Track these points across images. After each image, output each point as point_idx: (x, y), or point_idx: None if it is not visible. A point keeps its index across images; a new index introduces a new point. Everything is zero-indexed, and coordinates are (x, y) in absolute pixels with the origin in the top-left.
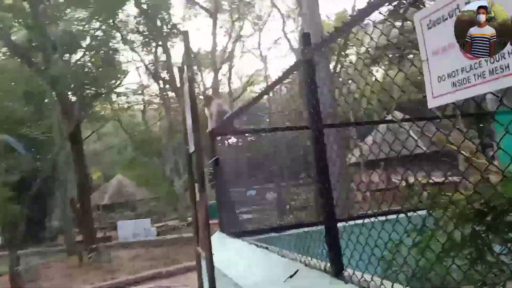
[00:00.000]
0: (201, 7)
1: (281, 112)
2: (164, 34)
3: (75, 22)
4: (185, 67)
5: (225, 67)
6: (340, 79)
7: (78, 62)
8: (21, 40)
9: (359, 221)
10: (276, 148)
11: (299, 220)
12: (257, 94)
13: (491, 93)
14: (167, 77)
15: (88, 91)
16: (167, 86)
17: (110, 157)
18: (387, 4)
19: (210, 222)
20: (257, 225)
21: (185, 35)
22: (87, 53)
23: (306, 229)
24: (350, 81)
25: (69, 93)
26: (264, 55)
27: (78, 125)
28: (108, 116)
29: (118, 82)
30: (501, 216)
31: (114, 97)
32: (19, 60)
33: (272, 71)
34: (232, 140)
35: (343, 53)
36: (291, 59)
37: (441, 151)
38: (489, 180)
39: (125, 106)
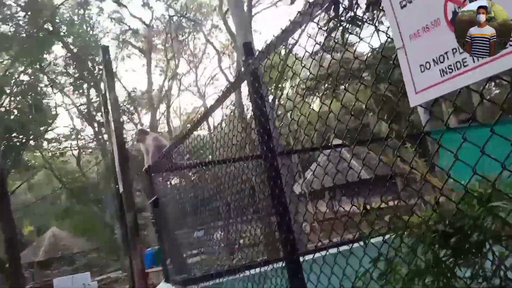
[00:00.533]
0: (133, 46)
1: (224, 144)
2: (96, 75)
3: None
4: (109, 108)
5: (163, 107)
6: (279, 112)
7: (2, 109)
8: None
9: (316, 254)
10: (222, 184)
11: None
12: (196, 120)
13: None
14: (101, 120)
15: (15, 139)
16: (102, 129)
17: (44, 208)
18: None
19: (157, 270)
20: (206, 270)
21: (104, 50)
22: (12, 98)
23: (262, 268)
24: (288, 113)
25: None
26: (202, 92)
27: (3, 176)
28: (39, 165)
29: (48, 127)
30: (466, 237)
31: (45, 144)
32: None
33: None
34: (174, 177)
35: (279, 85)
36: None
37: (392, 173)
38: (446, 198)
39: (58, 153)
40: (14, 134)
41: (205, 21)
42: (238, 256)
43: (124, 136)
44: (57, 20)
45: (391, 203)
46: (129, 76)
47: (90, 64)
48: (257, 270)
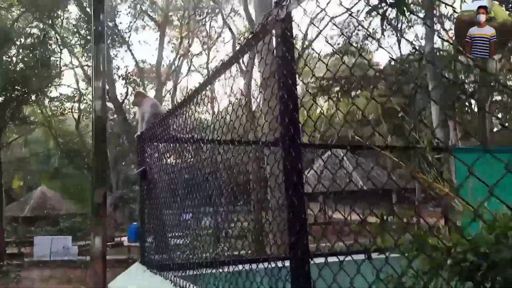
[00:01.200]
0: (149, 17)
1: (230, 122)
2: (108, 41)
3: (9, 16)
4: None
5: (170, 84)
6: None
7: (8, 60)
8: None
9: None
10: (218, 167)
11: (239, 254)
12: (202, 82)
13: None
14: (106, 87)
15: (16, 92)
16: (107, 96)
17: (36, 166)
18: None
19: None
20: (188, 258)
21: None
22: (20, 50)
23: (253, 265)
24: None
25: None
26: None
27: None
28: (38, 121)
29: (52, 84)
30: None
31: (46, 101)
32: None
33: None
34: (168, 150)
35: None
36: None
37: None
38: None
39: (58, 112)
40: (16, 87)
41: (226, 3)
42: (224, 248)
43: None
44: None
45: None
46: (140, 48)
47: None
48: (246, 266)
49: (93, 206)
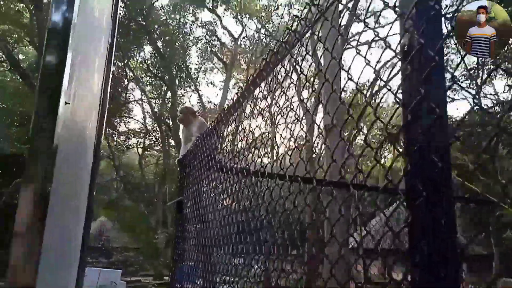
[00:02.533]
0: (218, 57)
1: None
2: (177, 81)
3: None
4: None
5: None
6: None
7: None
8: (26, 58)
9: None
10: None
11: None
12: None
13: None
14: (171, 124)
15: None
16: (170, 133)
17: (97, 196)
18: None
19: None
20: None
21: None
22: None
23: None
24: None
25: None
26: (273, 119)
27: None
28: (103, 154)
29: (121, 120)
30: None
31: (115, 135)
32: (20, 79)
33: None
34: (215, 180)
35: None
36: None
37: None
38: None
39: (124, 146)
40: None
41: (294, 49)
42: None
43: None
44: (150, 18)
45: None
46: (206, 88)
47: (174, 70)
48: None
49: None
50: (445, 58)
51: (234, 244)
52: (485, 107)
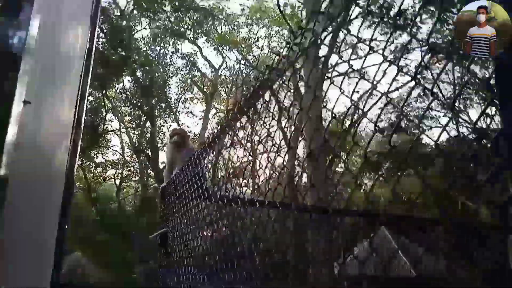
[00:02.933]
0: (198, 87)
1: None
2: (156, 112)
3: None
4: None
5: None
6: None
7: None
8: None
9: None
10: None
11: None
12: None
13: None
14: (150, 154)
15: None
16: (148, 164)
17: (69, 231)
18: None
19: None
20: None
21: None
22: None
23: None
24: None
25: None
26: (255, 148)
27: None
28: (79, 186)
29: (98, 151)
30: None
31: (92, 167)
32: None
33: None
34: (200, 212)
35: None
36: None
37: None
38: None
39: (101, 178)
40: None
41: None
42: None
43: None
44: (131, 48)
45: None
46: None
47: (153, 100)
48: None
49: None
50: None
51: (219, 274)
52: None
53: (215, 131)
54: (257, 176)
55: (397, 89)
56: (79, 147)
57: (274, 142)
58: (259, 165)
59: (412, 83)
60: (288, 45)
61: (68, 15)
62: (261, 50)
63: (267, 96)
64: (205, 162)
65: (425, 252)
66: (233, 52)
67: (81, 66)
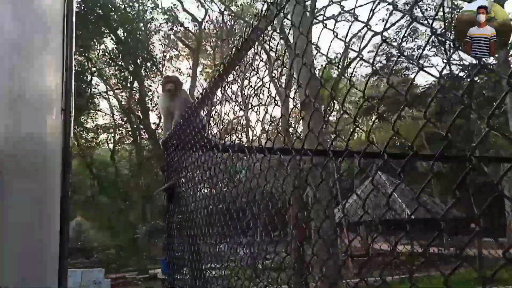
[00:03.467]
0: (184, 43)
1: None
2: (143, 71)
3: None
4: None
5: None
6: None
7: None
8: None
9: None
10: (255, 190)
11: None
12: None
13: None
14: (141, 116)
15: None
16: (141, 125)
17: (72, 196)
18: None
19: None
20: None
21: None
22: None
23: None
24: None
25: None
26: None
27: None
28: (73, 152)
29: (88, 116)
30: None
31: (83, 133)
32: None
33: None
34: (203, 162)
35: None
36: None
37: None
38: None
39: (94, 143)
40: None
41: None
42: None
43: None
44: (109, 5)
45: None
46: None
47: (137, 59)
48: None
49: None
50: None
51: (219, 229)
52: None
53: (207, 85)
54: (254, 129)
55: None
56: (72, 114)
57: (269, 93)
58: (256, 117)
59: (404, 21)
60: None
61: None
62: None
63: (257, 46)
64: (203, 114)
65: (420, 195)
66: (215, 3)
67: (60, 32)
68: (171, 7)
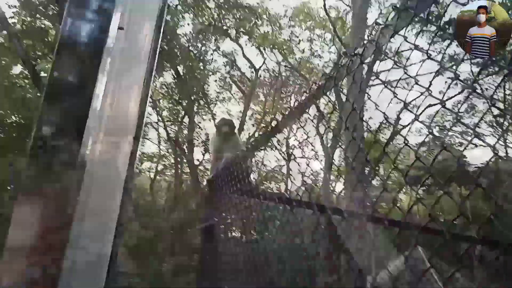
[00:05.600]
0: (238, 86)
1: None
2: (195, 108)
3: None
4: None
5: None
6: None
7: None
8: None
9: None
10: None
11: None
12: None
13: None
14: (186, 151)
15: None
16: (184, 160)
17: None
18: None
19: None
20: None
21: None
22: None
23: None
24: None
25: None
26: (289, 153)
27: None
28: None
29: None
30: None
31: None
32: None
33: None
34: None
35: None
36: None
37: None
38: None
39: (136, 169)
40: None
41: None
42: None
43: None
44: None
45: None
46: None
47: (191, 97)
48: None
49: None
50: None
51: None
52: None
53: (259, 132)
54: (294, 180)
55: (448, 99)
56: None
57: (314, 149)
58: (298, 168)
59: (462, 96)
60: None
61: (139, 16)
62: (302, 53)
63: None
64: (251, 161)
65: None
66: (274, 53)
67: (146, 61)
68: (232, 51)
